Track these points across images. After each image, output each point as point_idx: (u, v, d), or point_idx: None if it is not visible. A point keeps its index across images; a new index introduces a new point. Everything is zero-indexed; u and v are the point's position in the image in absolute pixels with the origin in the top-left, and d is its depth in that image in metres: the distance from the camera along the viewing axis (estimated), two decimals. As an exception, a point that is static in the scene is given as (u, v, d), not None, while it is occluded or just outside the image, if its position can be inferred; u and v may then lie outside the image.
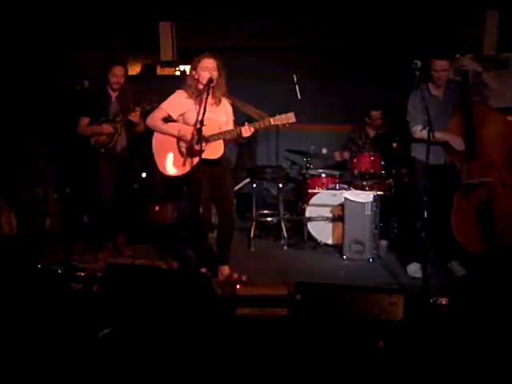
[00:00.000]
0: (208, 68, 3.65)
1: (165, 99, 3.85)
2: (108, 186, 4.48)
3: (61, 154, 5.05)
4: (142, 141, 4.50)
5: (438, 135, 3.74)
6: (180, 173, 3.78)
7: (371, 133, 5.48)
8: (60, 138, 5.14)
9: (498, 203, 3.85)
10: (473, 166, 3.85)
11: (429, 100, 3.69)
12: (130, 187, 4.89)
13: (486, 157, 3.86)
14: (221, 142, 3.73)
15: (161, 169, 3.82)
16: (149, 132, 3.95)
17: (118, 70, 4.41)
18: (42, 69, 5.57)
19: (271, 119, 3.66)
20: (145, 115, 4.33)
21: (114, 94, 4.48)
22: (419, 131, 3.84)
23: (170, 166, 3.79)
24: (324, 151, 5.47)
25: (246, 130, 3.63)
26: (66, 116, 4.99)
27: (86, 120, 4.46)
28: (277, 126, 3.69)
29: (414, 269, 4.06)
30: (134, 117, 4.36)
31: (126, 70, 4.54)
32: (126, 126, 4.44)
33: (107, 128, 4.38)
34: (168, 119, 3.83)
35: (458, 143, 3.84)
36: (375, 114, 5.42)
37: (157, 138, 3.83)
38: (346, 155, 5.51)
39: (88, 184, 4.79)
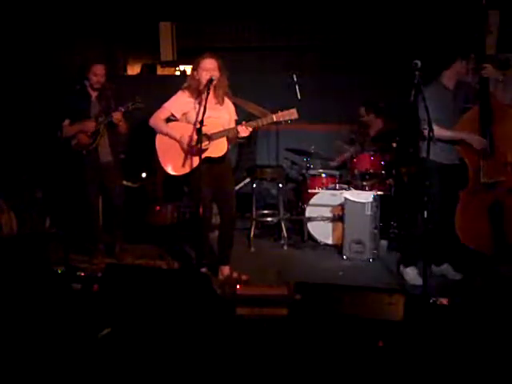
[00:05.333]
0: (209, 68, 3.65)
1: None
2: (93, 189, 4.37)
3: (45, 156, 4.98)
4: (142, 140, 4.49)
5: (454, 133, 3.73)
6: (184, 172, 3.77)
7: (372, 131, 5.49)
8: (44, 140, 5.08)
9: (510, 202, 3.81)
10: (488, 165, 3.80)
11: (443, 94, 3.67)
12: (119, 190, 4.51)
13: (500, 156, 3.81)
14: (224, 140, 3.72)
15: (165, 168, 3.81)
16: (152, 131, 3.93)
17: (98, 69, 4.20)
18: (42, 69, 5.57)
19: (274, 116, 3.66)
20: (128, 115, 4.22)
21: (94, 94, 4.28)
22: (435, 129, 3.54)
23: (174, 165, 3.78)
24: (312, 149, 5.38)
25: (243, 130, 3.63)
26: (49, 119, 4.83)
27: (66, 122, 4.28)
28: (277, 125, 3.67)
29: (412, 275, 3.94)
30: (116, 117, 4.13)
31: (107, 69, 4.31)
32: (107, 127, 4.24)
33: (90, 125, 4.17)
34: (171, 119, 3.83)
35: (477, 141, 3.75)
36: (360, 110, 5.46)
37: (160, 138, 3.83)
38: (347, 156, 5.51)
39: (72, 188, 4.63)
